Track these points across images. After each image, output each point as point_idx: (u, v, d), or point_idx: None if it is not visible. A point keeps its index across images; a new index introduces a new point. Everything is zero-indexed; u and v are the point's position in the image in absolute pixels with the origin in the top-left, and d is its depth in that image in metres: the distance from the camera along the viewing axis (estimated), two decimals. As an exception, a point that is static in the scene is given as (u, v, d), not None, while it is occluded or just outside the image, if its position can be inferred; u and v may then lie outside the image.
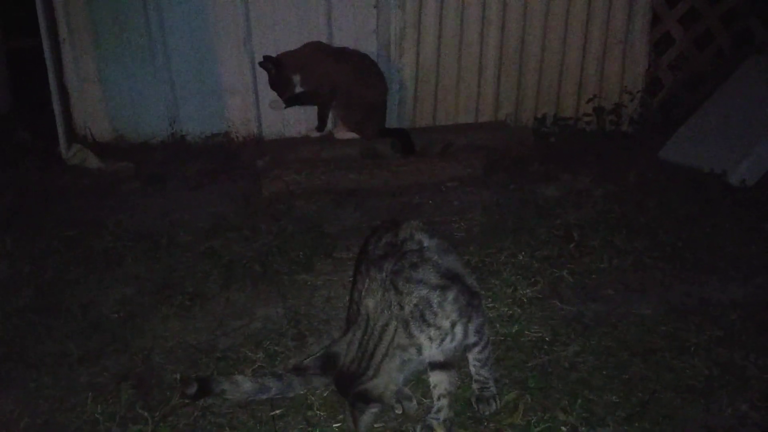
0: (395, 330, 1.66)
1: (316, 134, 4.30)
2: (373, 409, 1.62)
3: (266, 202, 3.52)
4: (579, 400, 1.89)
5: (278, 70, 3.99)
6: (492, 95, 4.64)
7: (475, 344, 1.82)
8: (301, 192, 3.60)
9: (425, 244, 1.83)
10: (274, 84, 4.07)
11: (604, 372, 2.04)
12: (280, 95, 4.11)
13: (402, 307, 1.68)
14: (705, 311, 2.37)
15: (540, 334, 2.25)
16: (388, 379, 1.65)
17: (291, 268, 2.76)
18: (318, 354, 1.74)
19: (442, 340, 1.72)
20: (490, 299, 2.44)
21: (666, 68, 4.83)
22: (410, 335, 1.68)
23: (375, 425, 1.84)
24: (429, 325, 1.69)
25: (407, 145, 4.09)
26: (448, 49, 4.46)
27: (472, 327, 1.77)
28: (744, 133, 3.80)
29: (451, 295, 1.72)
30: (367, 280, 1.75)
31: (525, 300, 2.46)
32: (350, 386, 1.66)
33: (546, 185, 3.65)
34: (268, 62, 3.98)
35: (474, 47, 4.49)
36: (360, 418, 1.61)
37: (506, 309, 2.39)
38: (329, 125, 4.35)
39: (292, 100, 4.15)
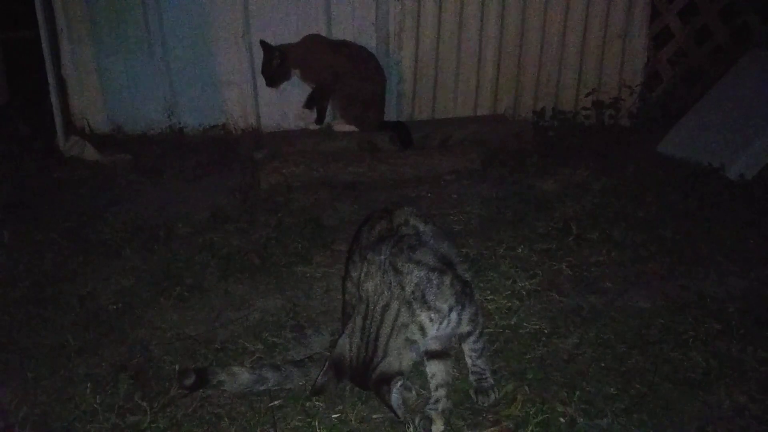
0: (397, 310, 1.64)
1: (314, 127, 4.29)
2: (398, 383, 1.57)
3: (264, 195, 3.51)
4: (577, 392, 1.89)
5: (282, 61, 4.01)
6: (491, 89, 4.64)
7: (469, 333, 1.81)
8: (299, 184, 3.60)
9: (420, 229, 1.83)
10: (273, 74, 4.07)
11: (603, 364, 2.04)
12: (270, 84, 4.12)
13: (403, 288, 1.65)
14: (703, 304, 2.38)
15: (538, 327, 2.25)
16: (398, 354, 1.62)
17: (289, 260, 2.76)
18: (325, 368, 1.69)
19: (441, 322, 1.70)
20: (488, 291, 2.45)
21: (665, 62, 4.85)
22: (412, 314, 1.65)
23: (374, 416, 1.84)
24: (429, 307, 1.67)
25: (406, 138, 4.09)
26: (447, 42, 4.45)
27: (465, 315, 1.76)
28: (742, 128, 3.81)
29: (447, 280, 1.71)
30: (365, 265, 1.71)
31: (524, 292, 2.46)
32: (366, 375, 1.62)
33: (544, 179, 3.66)
34: (275, 51, 3.99)
35: (473, 41, 4.49)
36: (390, 399, 1.57)
37: (505, 301, 2.39)
38: (328, 118, 4.34)
39: (308, 103, 4.19)
